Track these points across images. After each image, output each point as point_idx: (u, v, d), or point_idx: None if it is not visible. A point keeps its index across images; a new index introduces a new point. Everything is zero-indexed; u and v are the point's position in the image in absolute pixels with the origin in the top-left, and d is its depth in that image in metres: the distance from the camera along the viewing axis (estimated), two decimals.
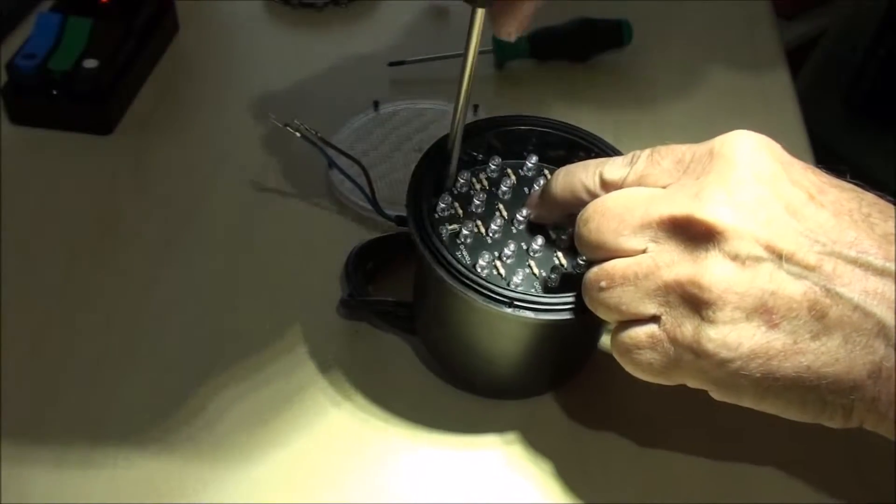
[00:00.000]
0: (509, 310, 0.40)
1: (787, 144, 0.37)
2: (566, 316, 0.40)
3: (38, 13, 0.61)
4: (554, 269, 0.43)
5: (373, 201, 0.51)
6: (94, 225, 0.54)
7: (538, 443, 0.45)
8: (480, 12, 0.40)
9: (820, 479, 0.43)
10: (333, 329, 0.49)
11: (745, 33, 0.70)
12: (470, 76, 0.42)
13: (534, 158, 0.47)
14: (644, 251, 0.36)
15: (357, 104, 0.60)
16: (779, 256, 0.34)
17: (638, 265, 0.36)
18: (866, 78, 0.98)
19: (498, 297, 0.40)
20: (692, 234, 0.35)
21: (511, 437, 0.45)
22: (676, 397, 0.37)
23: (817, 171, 0.36)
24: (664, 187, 0.37)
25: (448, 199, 0.45)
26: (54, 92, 0.58)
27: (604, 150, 0.45)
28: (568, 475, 0.43)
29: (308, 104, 0.61)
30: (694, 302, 0.35)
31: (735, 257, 0.34)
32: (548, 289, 0.42)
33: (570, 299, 0.40)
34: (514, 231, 0.44)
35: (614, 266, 0.37)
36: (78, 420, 0.45)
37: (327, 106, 0.60)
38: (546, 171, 0.47)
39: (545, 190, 0.43)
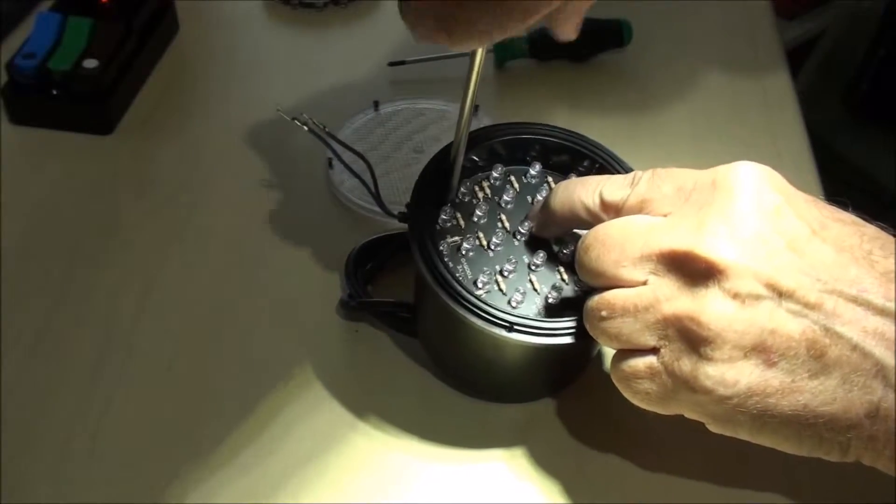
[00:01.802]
0: (509, 334, 0.39)
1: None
2: (566, 340, 0.40)
3: (38, 13, 0.61)
4: (555, 287, 0.42)
5: (376, 197, 0.51)
6: (94, 225, 0.54)
7: (538, 446, 0.45)
8: (480, 52, 0.39)
9: (821, 479, 0.43)
10: (333, 329, 0.49)
11: (745, 33, 0.70)
12: (470, 109, 0.41)
13: (537, 166, 0.46)
14: (645, 282, 0.36)
15: (357, 104, 0.60)
16: (779, 294, 0.33)
17: (638, 297, 0.36)
18: (866, 78, 0.98)
19: (497, 321, 0.40)
20: (692, 269, 0.35)
21: (511, 439, 0.45)
22: None
23: (819, 203, 0.36)
24: (665, 215, 0.37)
25: (450, 209, 0.44)
26: (54, 92, 0.58)
27: (607, 159, 0.45)
28: (569, 477, 0.43)
29: (308, 104, 0.61)
30: (692, 338, 0.34)
31: (735, 295, 0.34)
32: (548, 307, 0.42)
33: (571, 324, 0.40)
34: (516, 244, 0.44)
35: (615, 296, 0.37)
36: (78, 420, 0.45)
37: (327, 106, 0.60)
38: (549, 179, 0.46)
39: (545, 205, 0.43)
